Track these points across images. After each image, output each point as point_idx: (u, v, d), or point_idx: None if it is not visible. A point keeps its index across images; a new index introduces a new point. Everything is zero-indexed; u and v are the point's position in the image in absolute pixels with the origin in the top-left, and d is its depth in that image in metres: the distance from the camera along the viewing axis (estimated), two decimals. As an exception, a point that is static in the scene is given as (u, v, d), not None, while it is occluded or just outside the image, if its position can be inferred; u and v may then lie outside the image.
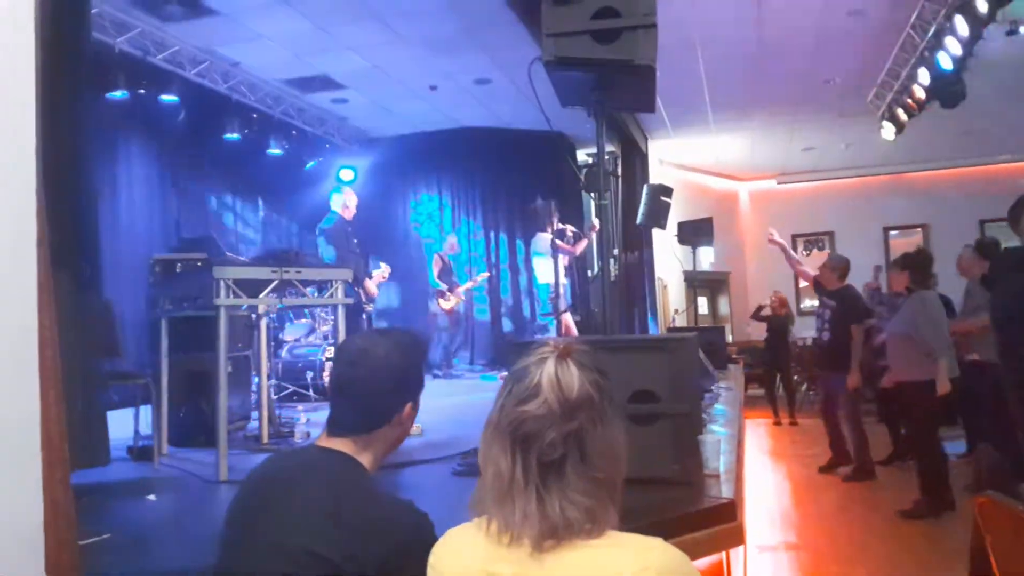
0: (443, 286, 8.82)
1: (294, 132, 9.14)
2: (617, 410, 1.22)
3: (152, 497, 3.31)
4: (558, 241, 7.80)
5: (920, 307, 5.26)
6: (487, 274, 9.22)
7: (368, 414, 1.58)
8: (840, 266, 6.54)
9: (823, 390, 7.09)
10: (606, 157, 3.37)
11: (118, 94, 6.84)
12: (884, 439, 6.96)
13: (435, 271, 8.90)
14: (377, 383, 1.58)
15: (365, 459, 1.57)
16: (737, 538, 2.23)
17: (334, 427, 1.59)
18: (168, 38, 7.01)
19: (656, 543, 1.14)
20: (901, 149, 10.36)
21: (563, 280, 7.92)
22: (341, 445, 1.56)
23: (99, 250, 3.60)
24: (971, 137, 10.74)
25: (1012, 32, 6.52)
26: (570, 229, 8.05)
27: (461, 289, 9.01)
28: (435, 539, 1.31)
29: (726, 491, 2.32)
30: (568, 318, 7.83)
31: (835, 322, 6.42)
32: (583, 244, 8.21)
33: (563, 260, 7.84)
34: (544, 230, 8.00)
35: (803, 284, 10.13)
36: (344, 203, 6.82)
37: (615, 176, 8.35)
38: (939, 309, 5.30)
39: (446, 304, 8.83)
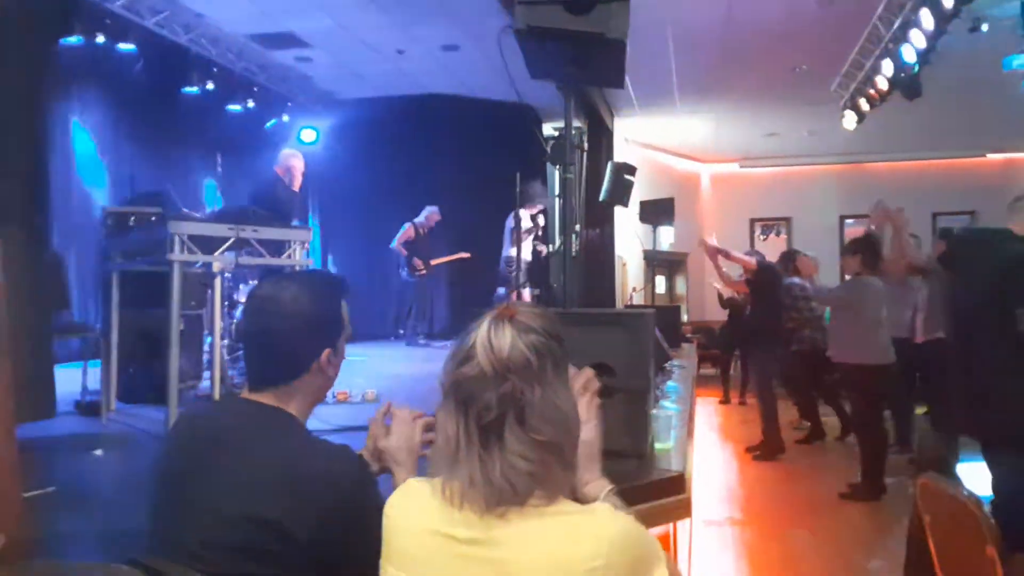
0: (404, 253, 8.63)
1: (255, 89, 8.90)
2: (562, 373, 1.21)
3: (99, 452, 3.26)
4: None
5: (859, 294, 5.43)
6: (466, 255, 9.00)
7: (282, 364, 1.49)
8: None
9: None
10: (573, 132, 3.36)
11: (73, 40, 6.56)
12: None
13: (399, 238, 8.62)
14: (287, 331, 1.48)
15: (292, 410, 1.49)
16: (684, 510, 2.27)
17: (252, 380, 1.51)
18: (128, -16, 6.77)
19: (605, 508, 1.16)
20: (861, 139, 10.52)
21: (512, 253, 7.82)
22: (264, 398, 1.48)
23: (48, 201, 3.51)
24: (928, 131, 10.95)
25: (974, 29, 6.64)
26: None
27: (434, 262, 8.83)
28: (371, 475, 1.28)
29: (675, 464, 2.36)
30: (527, 293, 7.80)
31: (754, 299, 6.63)
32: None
33: (527, 236, 7.79)
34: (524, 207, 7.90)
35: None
36: (286, 165, 6.19)
37: (581, 150, 8.31)
38: (874, 296, 5.44)
39: (411, 275, 8.67)
